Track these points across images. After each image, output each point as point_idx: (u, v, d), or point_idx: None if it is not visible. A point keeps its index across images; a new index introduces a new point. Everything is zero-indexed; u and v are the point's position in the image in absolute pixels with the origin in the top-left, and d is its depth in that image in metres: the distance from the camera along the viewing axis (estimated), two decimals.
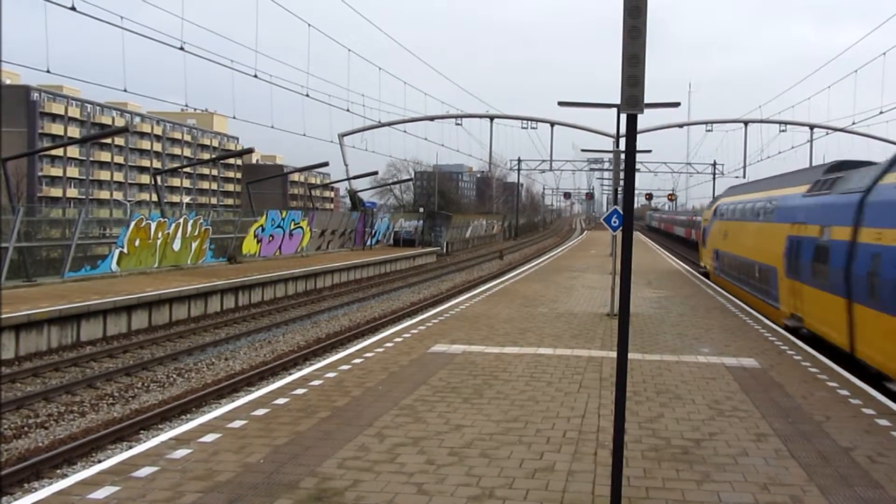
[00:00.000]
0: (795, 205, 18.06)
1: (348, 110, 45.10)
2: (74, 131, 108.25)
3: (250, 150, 55.70)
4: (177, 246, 29.27)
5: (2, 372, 15.11)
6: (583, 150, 64.29)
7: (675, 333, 15.90)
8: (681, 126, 73.28)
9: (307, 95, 38.08)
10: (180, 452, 7.67)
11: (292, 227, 39.06)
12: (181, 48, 27.16)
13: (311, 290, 31.40)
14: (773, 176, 24.97)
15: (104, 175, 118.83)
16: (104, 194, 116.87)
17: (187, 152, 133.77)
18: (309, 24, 35.75)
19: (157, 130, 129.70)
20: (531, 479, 7.07)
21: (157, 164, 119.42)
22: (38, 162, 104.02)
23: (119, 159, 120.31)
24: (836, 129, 60.83)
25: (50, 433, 11.93)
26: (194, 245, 30.46)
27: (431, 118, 63.18)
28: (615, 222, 18.37)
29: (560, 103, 24.74)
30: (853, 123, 52.85)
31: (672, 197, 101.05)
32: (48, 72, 25.75)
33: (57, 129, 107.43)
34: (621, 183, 13.85)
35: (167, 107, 70.81)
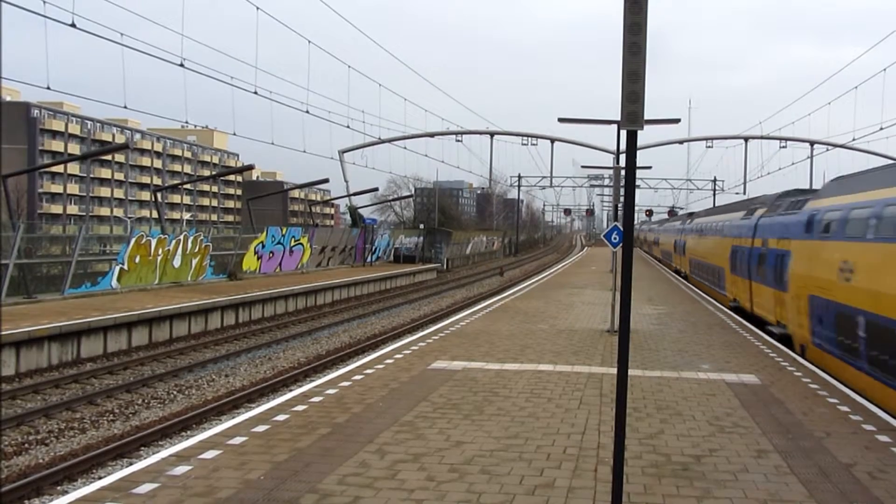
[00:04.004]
0: (676, 229, 50.46)
1: (348, 127, 45.33)
2: (75, 148, 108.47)
3: (250, 167, 55.62)
4: (177, 262, 29.30)
5: (2, 388, 15.10)
6: (583, 167, 64.20)
7: (676, 350, 15.90)
8: (681, 142, 73.51)
9: (307, 112, 38.19)
10: (181, 469, 7.67)
11: (292, 243, 39.11)
12: (181, 64, 27.25)
13: (311, 306, 31.41)
14: (671, 217, 75.97)
15: (104, 192, 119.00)
16: (104, 211, 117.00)
17: (187, 169, 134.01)
18: (309, 41, 35.94)
19: (158, 147, 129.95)
20: (531, 496, 7.07)
21: (157, 181, 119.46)
22: (39, 179, 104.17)
23: (119, 176, 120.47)
24: (836, 146, 60.98)
25: (50, 450, 11.92)
26: (195, 262, 30.50)
27: (432, 135, 63.38)
28: (615, 238, 18.41)
29: (560, 120, 24.87)
30: (853, 139, 53.05)
31: (672, 213, 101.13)
32: (48, 88, 25.83)
33: (57, 145, 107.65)
34: (621, 199, 13.90)
35: (167, 123, 71.06)
